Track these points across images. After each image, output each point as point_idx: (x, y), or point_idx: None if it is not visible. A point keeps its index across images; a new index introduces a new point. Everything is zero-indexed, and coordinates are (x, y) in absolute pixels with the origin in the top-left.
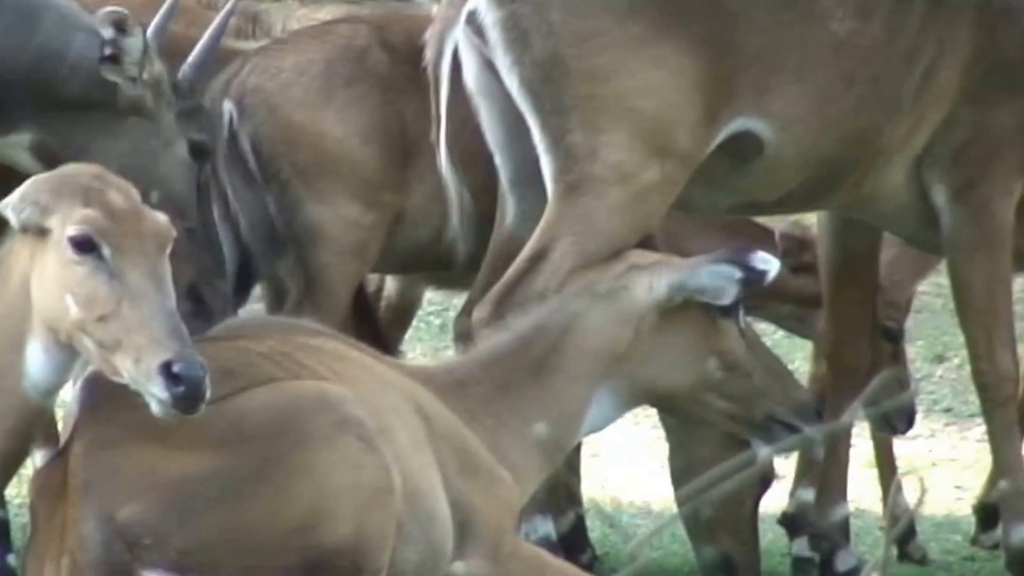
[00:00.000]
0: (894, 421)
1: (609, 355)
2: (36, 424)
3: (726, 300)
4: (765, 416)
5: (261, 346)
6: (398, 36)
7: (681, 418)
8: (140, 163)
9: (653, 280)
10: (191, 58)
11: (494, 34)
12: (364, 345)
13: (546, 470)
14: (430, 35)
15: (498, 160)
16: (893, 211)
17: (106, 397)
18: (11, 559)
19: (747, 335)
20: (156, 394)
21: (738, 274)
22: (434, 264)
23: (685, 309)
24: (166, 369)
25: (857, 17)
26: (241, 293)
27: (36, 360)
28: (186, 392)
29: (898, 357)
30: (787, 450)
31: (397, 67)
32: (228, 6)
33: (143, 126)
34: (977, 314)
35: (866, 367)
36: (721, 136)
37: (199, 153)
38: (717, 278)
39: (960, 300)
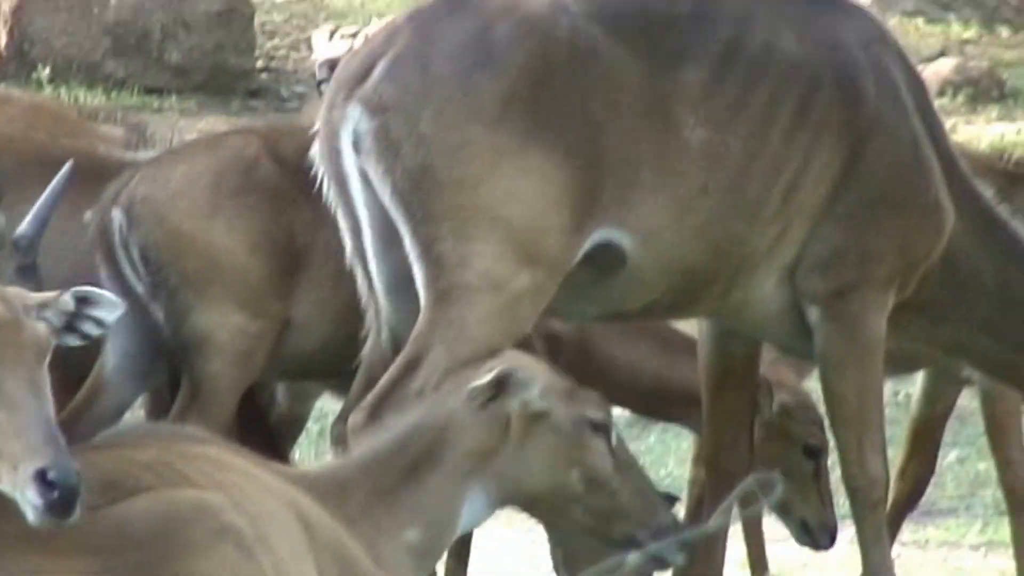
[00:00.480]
0: (817, 536)
1: (480, 456)
2: None
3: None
4: (624, 536)
5: (142, 455)
6: (288, 148)
7: (548, 522)
8: None
9: (525, 373)
10: (30, 216)
11: (367, 144)
12: (247, 452)
13: (422, 573)
14: (319, 138)
15: (372, 268)
16: (764, 320)
17: None
18: None
19: (619, 454)
20: (31, 501)
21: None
22: (323, 372)
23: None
24: (41, 476)
25: (712, 127)
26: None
27: None
28: (60, 499)
29: (819, 473)
30: (659, 555)
31: (286, 178)
32: (66, 168)
33: None
34: (848, 422)
35: (744, 471)
36: (587, 245)
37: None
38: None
39: (832, 409)
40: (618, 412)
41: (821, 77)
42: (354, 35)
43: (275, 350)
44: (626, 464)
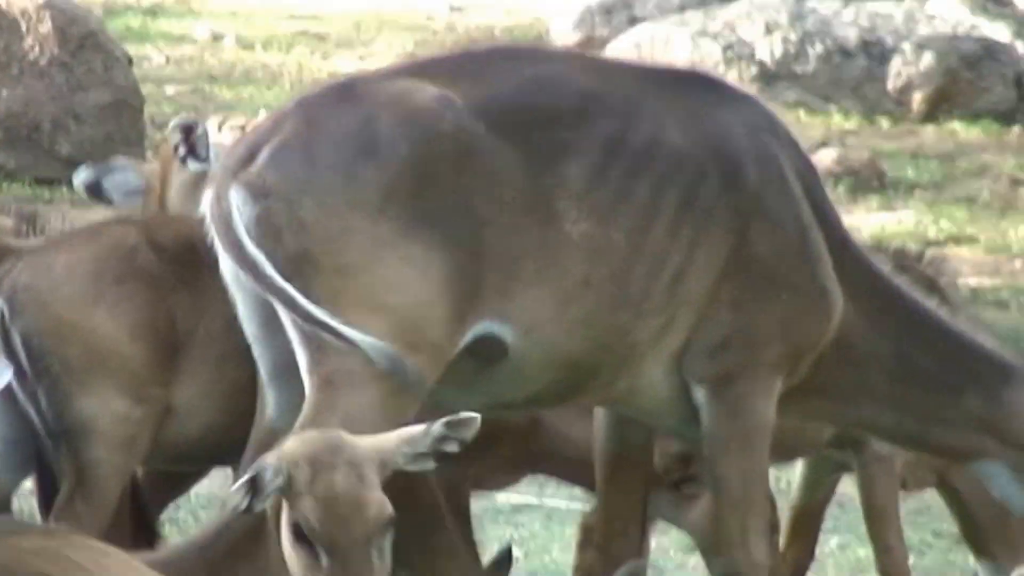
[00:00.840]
0: None
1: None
2: None
3: None
4: None
5: (28, 543)
6: (167, 236)
7: None
8: None
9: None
10: None
11: (248, 227)
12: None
13: None
14: (207, 220)
15: (255, 353)
16: (654, 406)
17: None
18: None
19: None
20: None
21: None
22: (207, 457)
23: None
24: None
25: (594, 221)
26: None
27: None
28: None
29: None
30: None
31: (166, 266)
32: None
33: None
34: (733, 506)
35: (636, 556)
36: (468, 336)
37: None
38: None
39: (716, 491)
40: (503, 497)
41: (706, 167)
42: (242, 127)
43: (158, 436)
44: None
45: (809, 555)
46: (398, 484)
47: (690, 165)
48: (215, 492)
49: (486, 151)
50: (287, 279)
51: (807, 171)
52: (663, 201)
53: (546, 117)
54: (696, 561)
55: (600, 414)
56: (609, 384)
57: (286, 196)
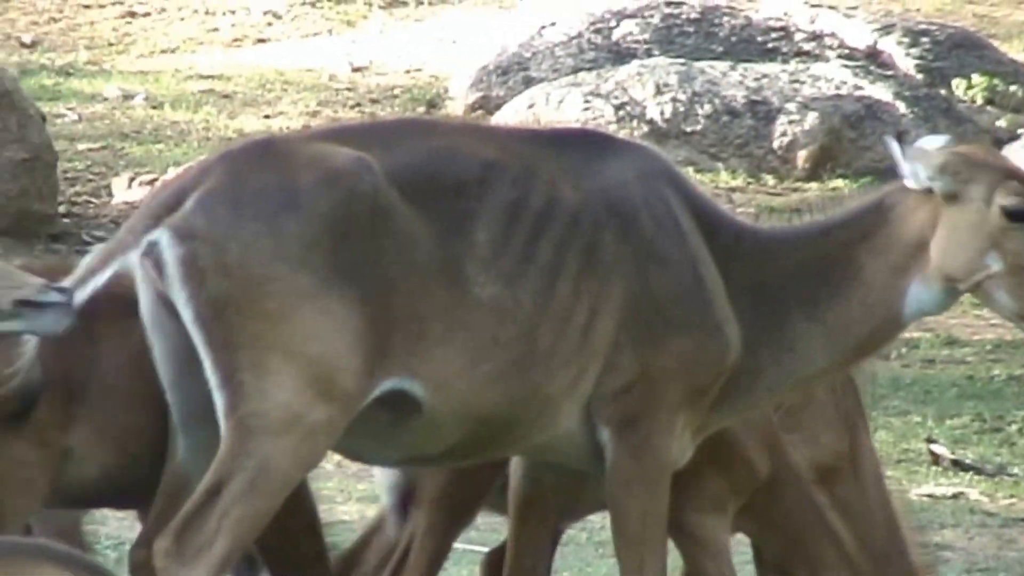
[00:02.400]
0: None
1: None
2: None
3: None
4: None
5: None
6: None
7: None
8: None
9: None
10: None
11: (172, 269)
12: (93, 567)
13: None
14: (96, 250)
15: (169, 397)
16: (570, 452)
17: None
18: None
19: None
20: None
21: None
22: (106, 501)
23: None
24: None
25: (501, 283)
26: None
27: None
28: None
29: None
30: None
31: None
32: None
33: None
34: (631, 543)
35: None
36: (378, 390)
37: None
38: None
39: (617, 528)
40: None
41: (601, 220)
42: (151, 182)
43: (56, 480)
44: None
45: None
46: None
47: (587, 220)
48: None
49: (399, 215)
50: (209, 320)
51: (699, 209)
52: (565, 259)
53: (452, 186)
54: None
55: (516, 458)
56: (525, 437)
57: (212, 240)
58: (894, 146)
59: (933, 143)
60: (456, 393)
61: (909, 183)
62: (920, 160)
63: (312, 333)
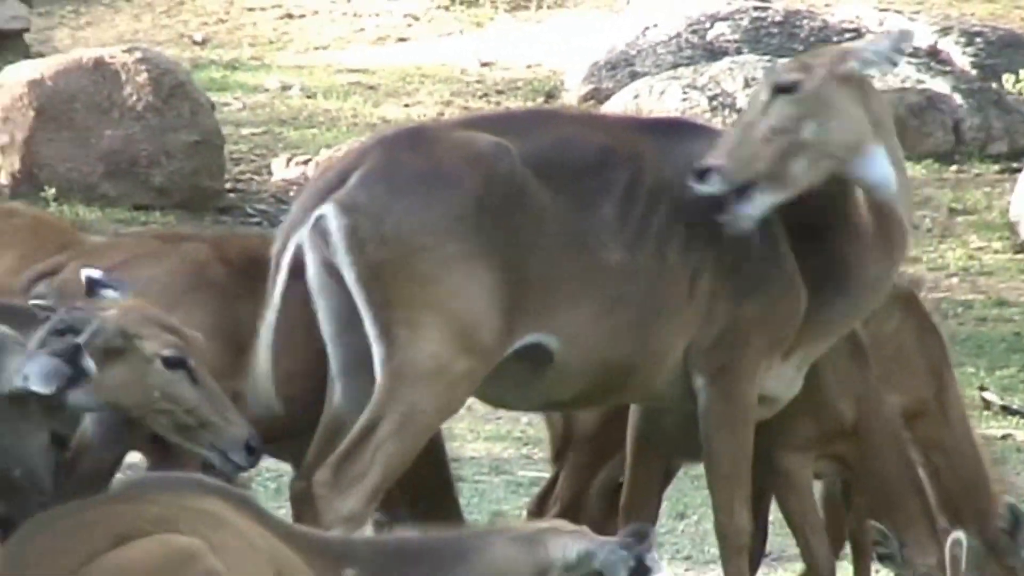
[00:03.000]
0: None
1: None
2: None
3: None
4: (204, 443)
5: (149, 510)
6: (232, 251)
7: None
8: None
9: (569, 543)
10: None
11: (336, 238)
12: (247, 500)
13: None
14: (279, 230)
15: (330, 350)
16: (674, 398)
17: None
18: None
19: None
20: (234, 459)
21: (631, 562)
22: (268, 438)
23: None
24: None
25: (623, 249)
26: None
27: None
28: (255, 460)
29: None
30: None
31: (232, 277)
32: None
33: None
34: (723, 478)
35: (653, 522)
36: (516, 344)
37: (59, 442)
38: (614, 557)
39: (709, 465)
40: (523, 472)
41: (699, 196)
42: (306, 162)
43: None
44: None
45: (764, 521)
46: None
47: (687, 196)
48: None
49: (532, 192)
50: (369, 282)
51: None
52: (673, 229)
53: (575, 168)
54: (684, 526)
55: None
56: (639, 385)
57: (372, 214)
58: None
59: None
60: (584, 345)
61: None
62: None
63: (457, 294)
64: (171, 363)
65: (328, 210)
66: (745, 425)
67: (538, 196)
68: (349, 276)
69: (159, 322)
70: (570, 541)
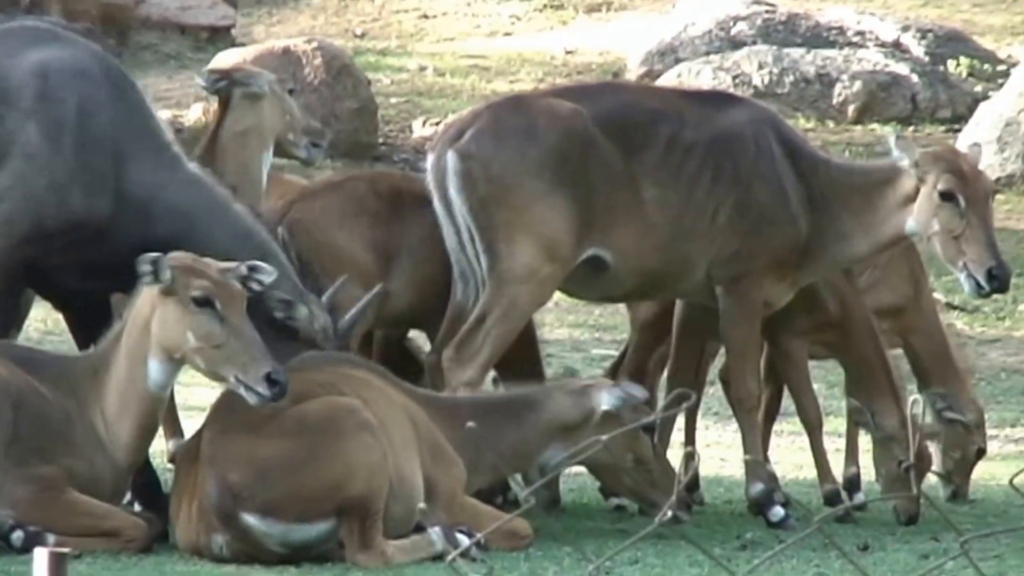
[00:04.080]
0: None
1: (562, 427)
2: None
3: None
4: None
5: (318, 376)
6: (383, 186)
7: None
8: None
9: (606, 394)
10: (351, 316)
11: (453, 178)
12: (385, 372)
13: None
14: (428, 169)
15: (452, 259)
16: (701, 298)
17: (224, 406)
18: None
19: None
20: (260, 392)
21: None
22: (409, 322)
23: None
24: (268, 376)
25: (659, 187)
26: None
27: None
28: (280, 391)
29: None
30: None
31: (383, 205)
32: (375, 290)
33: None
34: (736, 356)
35: (697, 391)
36: (583, 255)
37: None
38: (613, 396)
39: (727, 347)
40: None
41: (724, 148)
42: (437, 123)
43: (380, 310)
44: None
45: (780, 387)
46: None
47: (715, 149)
48: None
49: (600, 145)
50: (477, 210)
51: (788, 137)
52: (701, 174)
53: (632, 125)
54: (713, 391)
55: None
56: (673, 286)
57: (482, 160)
58: (891, 139)
59: (914, 145)
60: (631, 257)
61: (899, 163)
62: (906, 151)
63: (543, 220)
64: (199, 302)
65: (450, 157)
66: (753, 320)
67: (603, 148)
68: (463, 207)
69: (195, 268)
70: (606, 393)
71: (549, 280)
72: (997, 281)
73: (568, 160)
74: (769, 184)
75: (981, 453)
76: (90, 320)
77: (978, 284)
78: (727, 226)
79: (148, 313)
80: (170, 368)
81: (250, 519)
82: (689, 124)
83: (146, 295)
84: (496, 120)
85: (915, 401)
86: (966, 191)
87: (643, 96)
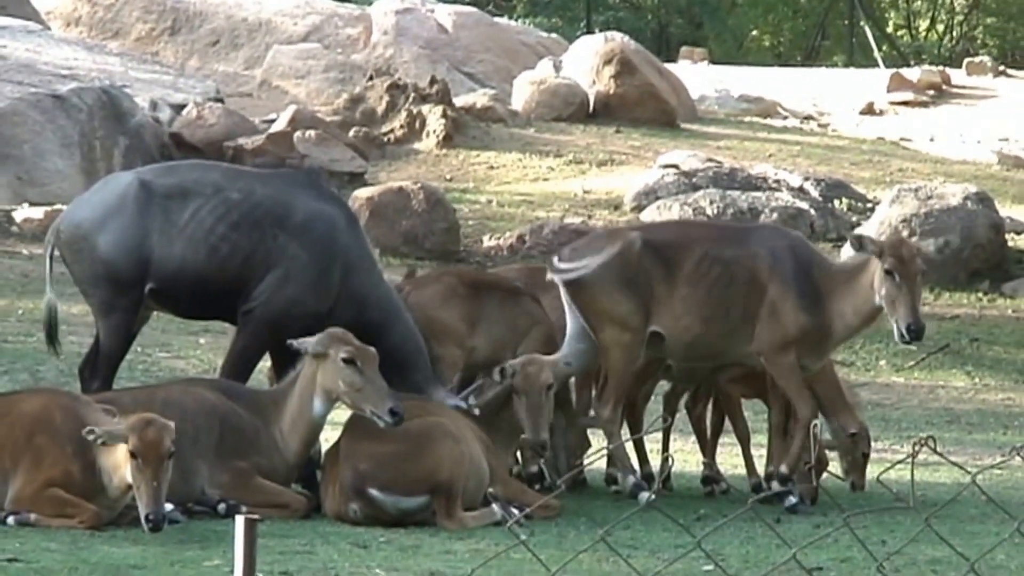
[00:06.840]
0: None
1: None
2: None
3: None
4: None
5: (417, 407)
6: (467, 279)
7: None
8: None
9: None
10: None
11: (566, 285)
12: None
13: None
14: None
15: (571, 333)
16: (746, 363)
17: (355, 421)
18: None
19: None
20: (385, 419)
21: None
22: (485, 369)
23: None
24: (391, 409)
25: (698, 288)
26: None
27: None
28: (399, 417)
29: None
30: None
31: (467, 291)
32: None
33: None
34: (788, 390)
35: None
36: (648, 331)
37: None
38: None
39: (778, 396)
40: None
41: (755, 263)
42: (499, 238)
43: (467, 359)
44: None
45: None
46: None
47: (749, 264)
48: None
49: (649, 266)
50: (581, 308)
51: (807, 256)
52: (735, 281)
53: (677, 249)
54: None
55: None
56: (715, 357)
57: (584, 274)
58: (851, 240)
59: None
60: (679, 334)
61: (867, 254)
62: (869, 244)
63: (624, 313)
64: (347, 361)
65: (560, 266)
66: (790, 375)
67: (651, 267)
68: (575, 307)
69: (345, 339)
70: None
71: (631, 346)
72: (914, 333)
73: (633, 277)
74: (792, 288)
75: (866, 457)
76: (287, 362)
77: (902, 334)
78: (757, 315)
79: (315, 367)
80: (328, 404)
81: (374, 493)
82: (734, 250)
83: (312, 356)
84: (595, 245)
85: (815, 424)
86: (901, 269)
87: (691, 228)
